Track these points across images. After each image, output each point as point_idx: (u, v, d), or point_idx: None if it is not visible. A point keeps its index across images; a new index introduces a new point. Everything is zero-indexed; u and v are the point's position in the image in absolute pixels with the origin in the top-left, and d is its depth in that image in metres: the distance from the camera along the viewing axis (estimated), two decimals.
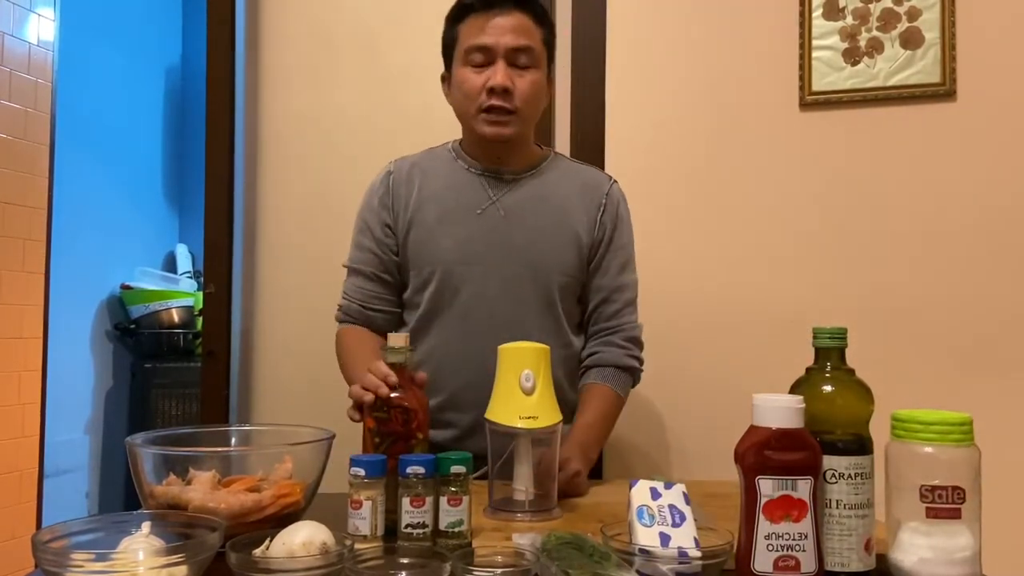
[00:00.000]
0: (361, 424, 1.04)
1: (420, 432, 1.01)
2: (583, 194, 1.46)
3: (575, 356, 1.46)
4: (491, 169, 1.44)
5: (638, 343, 1.47)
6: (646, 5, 1.97)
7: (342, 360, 1.45)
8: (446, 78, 1.46)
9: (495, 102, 1.35)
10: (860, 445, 0.86)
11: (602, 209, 1.46)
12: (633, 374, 1.46)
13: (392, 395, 1.00)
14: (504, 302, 1.39)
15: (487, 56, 1.36)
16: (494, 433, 1.09)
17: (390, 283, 1.47)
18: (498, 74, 1.35)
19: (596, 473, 1.48)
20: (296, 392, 2.11)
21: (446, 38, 1.44)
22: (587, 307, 1.47)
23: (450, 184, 1.45)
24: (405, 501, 0.90)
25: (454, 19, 1.42)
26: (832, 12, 1.86)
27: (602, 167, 1.87)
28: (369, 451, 1.00)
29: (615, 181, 1.51)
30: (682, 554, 0.80)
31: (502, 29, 1.35)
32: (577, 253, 1.43)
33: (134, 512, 0.87)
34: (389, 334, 1.07)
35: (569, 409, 1.40)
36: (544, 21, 1.42)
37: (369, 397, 1.01)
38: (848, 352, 0.90)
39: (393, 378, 1.01)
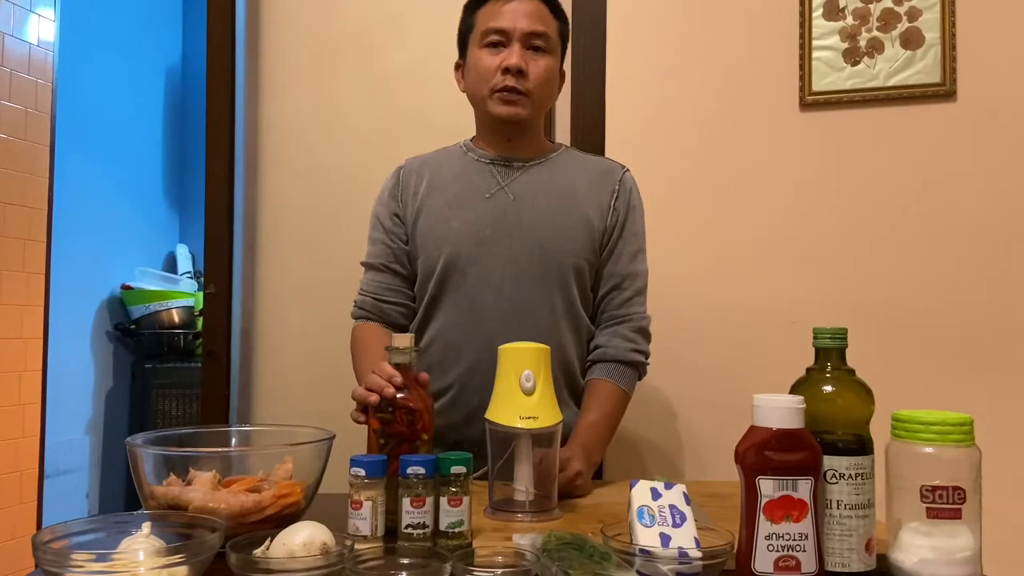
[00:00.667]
0: (364, 425, 1.04)
1: (425, 433, 1.01)
2: (595, 180, 1.47)
3: (587, 341, 1.46)
4: (501, 157, 1.46)
5: (646, 334, 1.47)
6: (646, 4, 1.97)
7: (353, 357, 1.45)
8: (460, 66, 1.49)
9: (509, 82, 1.38)
10: (860, 445, 0.86)
11: (615, 195, 1.46)
12: (638, 368, 1.45)
13: (397, 396, 1.00)
14: (512, 284, 1.39)
15: (503, 39, 1.39)
16: (494, 433, 1.09)
17: (402, 274, 1.47)
18: (513, 55, 1.37)
19: (596, 473, 1.48)
20: (296, 392, 2.11)
21: (463, 26, 1.47)
22: (597, 294, 1.47)
23: (460, 173, 1.47)
24: (405, 501, 0.90)
25: (472, 7, 1.46)
26: (832, 12, 1.86)
27: None
28: (374, 452, 1.00)
29: (627, 169, 1.51)
30: (682, 554, 0.80)
31: (519, 13, 1.39)
32: (588, 237, 1.43)
33: (134, 512, 0.87)
34: (394, 335, 1.06)
35: (580, 393, 1.42)
36: (559, 13, 1.46)
37: (374, 398, 1.00)
38: (848, 352, 0.90)
39: (398, 379, 1.01)
